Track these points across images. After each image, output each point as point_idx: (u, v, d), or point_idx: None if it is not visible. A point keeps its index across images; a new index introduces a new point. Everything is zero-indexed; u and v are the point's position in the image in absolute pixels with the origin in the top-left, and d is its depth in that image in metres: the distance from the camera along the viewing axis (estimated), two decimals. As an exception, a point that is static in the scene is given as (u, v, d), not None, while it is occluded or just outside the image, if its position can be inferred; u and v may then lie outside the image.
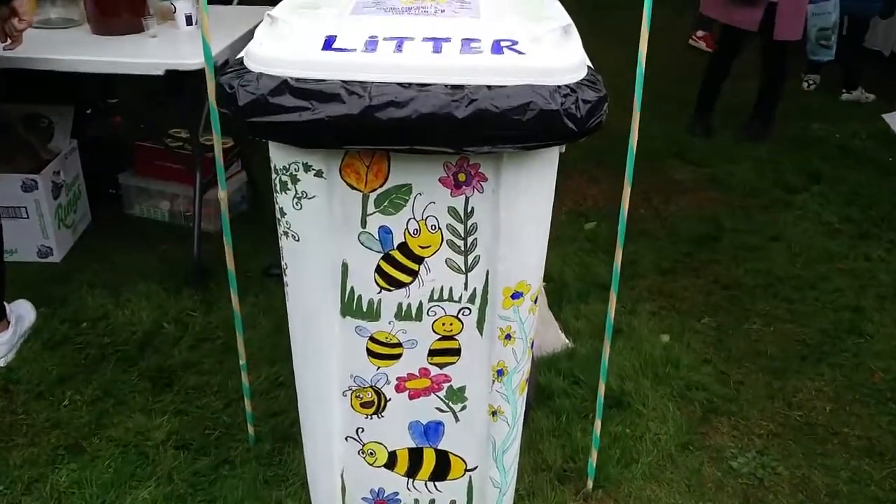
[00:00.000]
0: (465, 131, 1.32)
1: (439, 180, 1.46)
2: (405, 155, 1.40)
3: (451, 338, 1.60)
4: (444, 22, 1.47)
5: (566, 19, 1.56)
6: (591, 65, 1.45)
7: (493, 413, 1.67)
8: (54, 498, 1.93)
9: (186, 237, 2.97)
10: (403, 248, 1.52)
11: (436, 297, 1.56)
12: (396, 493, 1.79)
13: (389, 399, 1.66)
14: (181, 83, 2.54)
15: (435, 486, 1.77)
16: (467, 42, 1.40)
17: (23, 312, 2.56)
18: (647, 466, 2.06)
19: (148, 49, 2.63)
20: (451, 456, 1.73)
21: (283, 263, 1.59)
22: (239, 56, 1.44)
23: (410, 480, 1.76)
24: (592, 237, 3.27)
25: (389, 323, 1.58)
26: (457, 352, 1.61)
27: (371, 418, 1.69)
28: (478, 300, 1.57)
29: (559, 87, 1.33)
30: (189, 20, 2.73)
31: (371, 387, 1.65)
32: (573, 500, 1.97)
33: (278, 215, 1.53)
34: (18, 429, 2.16)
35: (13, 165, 2.89)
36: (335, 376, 1.64)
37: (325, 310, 1.58)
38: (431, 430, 1.69)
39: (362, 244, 1.52)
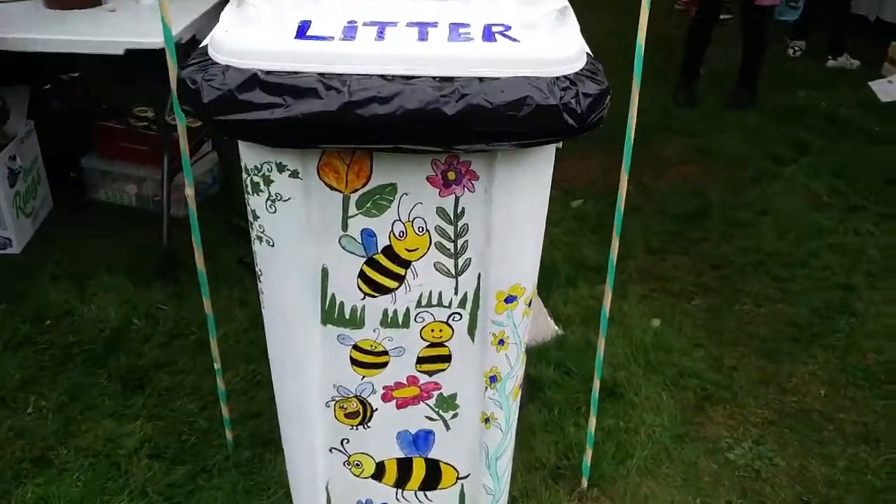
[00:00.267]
0: (456, 129, 1.20)
1: (427, 179, 1.34)
2: (389, 153, 1.28)
3: (440, 344, 1.50)
4: (430, 4, 1.34)
5: (562, 2, 1.43)
6: (589, 51, 1.33)
7: (486, 420, 1.58)
8: (20, 515, 1.83)
9: (155, 223, 2.83)
10: (388, 251, 1.41)
11: (424, 302, 1.45)
12: (385, 504, 1.71)
13: (376, 409, 1.56)
14: (144, 61, 2.37)
15: (425, 495, 1.69)
16: (455, 27, 1.27)
17: (-20, 310, 2.42)
18: (643, 461, 1.99)
19: (106, 25, 2.46)
20: (442, 465, 1.64)
21: (257, 269, 1.47)
22: (203, 44, 1.30)
23: (399, 491, 1.67)
24: (579, 216, 3.17)
25: (374, 330, 1.48)
26: (447, 358, 1.51)
27: (356, 429, 1.59)
28: (469, 305, 1.46)
29: (557, 78, 1.22)
30: (146, -6, 2.56)
31: (356, 397, 1.55)
32: (568, 501, 1.90)
33: (251, 218, 1.40)
34: (-22, 440, 2.04)
35: (-35, 152, 2.72)
36: (317, 387, 1.53)
37: (304, 318, 1.47)
38: (421, 440, 1.60)
39: (343, 248, 1.40)
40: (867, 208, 3.32)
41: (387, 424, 1.57)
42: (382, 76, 1.19)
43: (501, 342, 1.49)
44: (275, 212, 1.36)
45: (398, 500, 1.69)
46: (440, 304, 1.46)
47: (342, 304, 1.46)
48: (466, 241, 1.40)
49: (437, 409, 1.56)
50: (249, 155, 1.32)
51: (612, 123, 1.35)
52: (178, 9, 2.57)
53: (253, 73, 1.18)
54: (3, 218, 2.76)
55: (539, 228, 1.43)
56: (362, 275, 1.43)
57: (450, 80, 1.19)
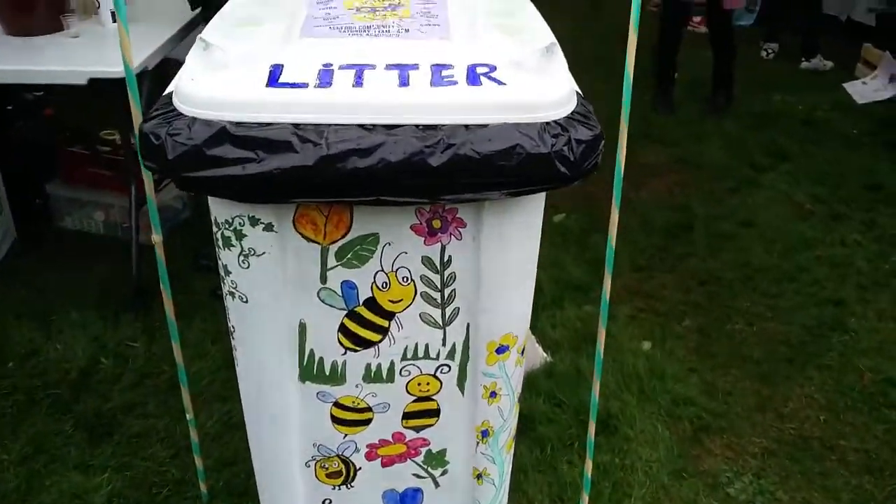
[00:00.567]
0: (442, 180, 1.12)
1: (411, 228, 1.26)
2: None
3: (428, 398, 1.41)
4: (410, 44, 1.25)
5: (546, 33, 1.35)
6: (578, 90, 1.25)
7: (479, 476, 1.50)
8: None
9: (125, 252, 2.70)
10: (371, 303, 1.32)
11: (410, 355, 1.37)
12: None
13: (360, 468, 1.47)
14: (108, 89, 2.25)
15: (415, 552, 1.60)
16: (438, 70, 1.18)
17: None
18: (641, 501, 1.92)
19: (69, 52, 2.34)
20: (432, 521, 1.56)
21: (230, 325, 1.37)
22: (167, 91, 1.20)
23: (387, 550, 1.59)
24: (562, 231, 3.10)
25: (357, 386, 1.39)
26: (435, 413, 1.43)
27: (339, 489, 1.50)
28: (458, 356, 1.38)
29: (548, 124, 1.14)
30: (114, 17, 2.43)
31: (338, 456, 1.46)
32: (564, 547, 1.83)
33: (222, 272, 1.31)
34: (-66, 499, 1.92)
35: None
36: (296, 447, 1.44)
37: (281, 376, 1.37)
38: (409, 498, 1.51)
39: (322, 302, 1.31)
40: (851, 216, 3.28)
41: (372, 484, 1.49)
42: (362, 125, 1.10)
43: (493, 394, 1.41)
44: (248, 267, 1.27)
45: (386, 558, 1.60)
46: (427, 356, 1.37)
47: (322, 359, 1.37)
48: (454, 290, 1.32)
49: (425, 467, 1.48)
50: (219, 208, 1.23)
51: None
52: (143, 35, 2.47)
53: (222, 127, 1.09)
54: (-39, 253, 2.63)
55: (531, 275, 1.35)
56: (343, 329, 1.34)
57: (434, 128, 1.11)
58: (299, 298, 1.30)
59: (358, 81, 1.15)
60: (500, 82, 1.17)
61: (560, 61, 1.26)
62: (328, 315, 1.32)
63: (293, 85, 1.13)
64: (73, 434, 2.10)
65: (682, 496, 1.94)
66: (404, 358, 1.37)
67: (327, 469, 1.47)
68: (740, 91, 4.66)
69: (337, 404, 1.40)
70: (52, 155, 3.05)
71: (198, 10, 2.56)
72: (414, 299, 1.32)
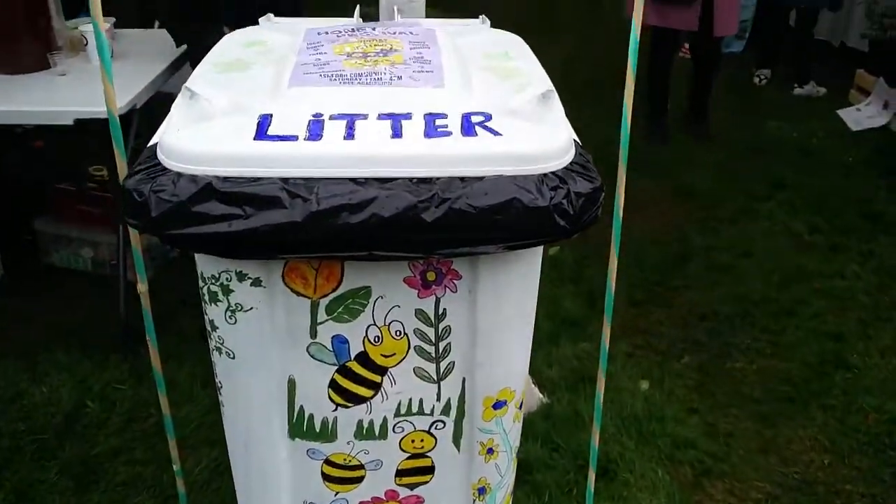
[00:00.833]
0: (437, 235, 1.08)
1: (404, 280, 1.21)
2: (362, 259, 1.15)
3: (422, 455, 1.36)
4: (403, 92, 1.21)
5: (542, 78, 1.32)
6: (576, 138, 1.22)
7: (476, 533, 1.44)
8: None
9: (113, 291, 2.65)
10: (362, 358, 1.27)
11: (403, 411, 1.32)
12: None
13: (353, 526, 1.41)
14: (95, 128, 2.22)
15: None
16: (431, 119, 1.15)
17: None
18: (642, 553, 1.86)
19: (56, 91, 2.30)
20: (427, 579, 1.50)
21: (217, 381, 1.32)
22: (151, 143, 1.16)
23: None
24: (557, 264, 3.06)
25: (348, 443, 1.34)
26: (430, 470, 1.38)
27: (333, 548, 1.44)
28: (453, 412, 1.33)
29: (545, 176, 1.10)
30: (102, 55, 2.40)
31: (331, 514, 1.40)
32: None
33: (208, 328, 1.26)
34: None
35: None
36: (287, 505, 1.39)
37: (270, 433, 1.32)
38: (404, 557, 1.46)
39: (312, 357, 1.26)
40: (849, 247, 3.25)
41: (366, 542, 1.43)
42: (353, 179, 1.07)
43: (490, 451, 1.36)
44: (235, 322, 1.23)
45: None
46: (421, 412, 1.33)
47: (311, 416, 1.32)
48: (449, 343, 1.28)
49: (421, 524, 1.43)
50: (206, 263, 1.19)
51: None
52: (131, 72, 2.43)
53: (207, 182, 1.05)
54: (-54, 292, 2.57)
55: (528, 328, 1.31)
56: (333, 384, 1.29)
57: (428, 181, 1.07)
58: (288, 354, 1.26)
59: (349, 133, 1.11)
60: (495, 132, 1.14)
61: (557, 108, 1.23)
62: (318, 370, 1.27)
63: (282, 138, 1.10)
64: (57, 482, 2.03)
65: (685, 547, 1.89)
66: (397, 414, 1.32)
67: (318, 528, 1.41)
68: (734, 118, 4.66)
69: (328, 461, 1.35)
70: (40, 191, 3.00)
71: (184, 47, 2.54)
72: (407, 353, 1.27)
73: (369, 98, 1.19)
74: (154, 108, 2.51)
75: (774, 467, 2.13)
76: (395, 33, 1.43)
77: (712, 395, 2.39)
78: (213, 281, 1.19)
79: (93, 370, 2.43)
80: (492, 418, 1.34)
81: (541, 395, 2.33)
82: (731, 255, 3.18)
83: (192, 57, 2.46)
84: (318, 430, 1.32)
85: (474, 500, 1.40)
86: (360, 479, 1.37)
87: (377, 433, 1.33)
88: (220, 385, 1.31)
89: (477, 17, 1.67)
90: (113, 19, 2.64)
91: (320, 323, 1.24)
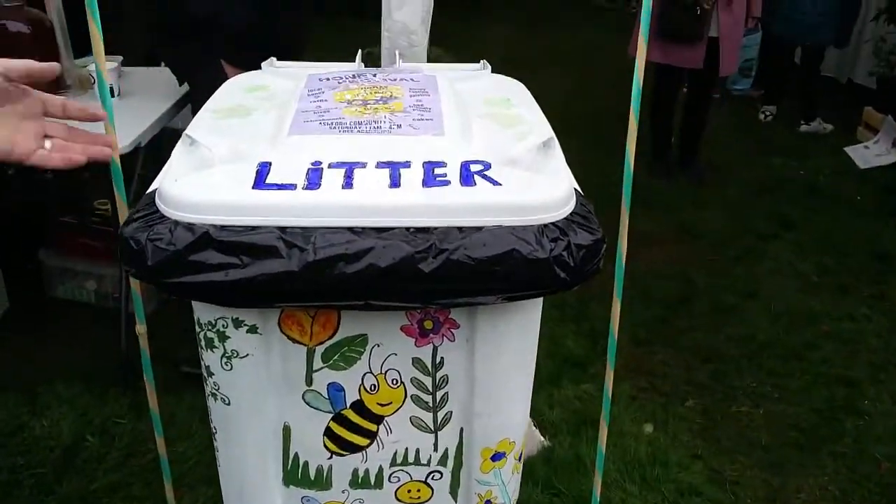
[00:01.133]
0: (434, 286, 1.06)
1: (401, 329, 1.20)
2: (359, 307, 1.14)
3: (419, 505, 1.34)
4: (402, 141, 1.21)
5: (543, 126, 1.32)
6: (577, 186, 1.21)
7: (473, 586, 1.41)
8: None
9: (115, 323, 2.65)
10: (358, 406, 1.26)
11: (399, 460, 1.30)
12: None
13: (347, 577, 1.39)
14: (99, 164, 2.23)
15: None
16: (430, 167, 1.14)
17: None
18: None
19: (62, 129, 2.32)
20: None
21: (211, 427, 1.31)
22: (150, 190, 1.16)
23: None
24: (559, 303, 3.04)
25: (343, 492, 1.32)
26: (427, 520, 1.35)
27: None
28: (450, 462, 1.31)
29: (546, 227, 1.09)
30: (111, 91, 2.42)
31: (325, 564, 1.37)
32: None
33: (204, 373, 1.25)
34: None
35: None
36: (281, 553, 1.36)
37: (264, 480, 1.31)
38: None
39: (307, 404, 1.25)
40: (859, 288, 3.23)
41: None
42: (350, 229, 1.06)
43: (488, 503, 1.33)
44: (231, 369, 1.21)
45: None
46: (417, 462, 1.31)
47: (306, 463, 1.30)
48: (447, 393, 1.26)
49: (416, 576, 1.40)
50: (202, 309, 1.18)
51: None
52: (137, 110, 2.45)
53: (205, 231, 1.04)
54: (-50, 324, 2.58)
55: (528, 378, 1.29)
56: (329, 432, 1.27)
57: (426, 231, 1.06)
58: (284, 401, 1.24)
59: (348, 182, 1.11)
60: (494, 182, 1.13)
61: (558, 157, 1.22)
62: (314, 418, 1.26)
63: (280, 186, 1.09)
64: (54, 519, 2.02)
65: None
66: (393, 463, 1.30)
67: (312, 578, 1.38)
68: (741, 156, 4.66)
69: (323, 510, 1.33)
70: (45, 222, 3.02)
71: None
72: (404, 402, 1.25)
73: (368, 146, 1.19)
74: (161, 144, 2.53)
75: (781, 517, 2.10)
76: (395, 80, 1.43)
77: (717, 441, 2.36)
78: (210, 327, 1.18)
79: (93, 404, 2.42)
80: (490, 470, 1.31)
81: (542, 438, 2.30)
82: (737, 296, 3.16)
83: (192, 91, 2.48)
84: (313, 478, 1.31)
85: (471, 553, 1.37)
86: (355, 529, 1.34)
87: (373, 482, 1.31)
88: (215, 430, 1.30)
89: (480, 57, 1.67)
90: (120, 58, 2.67)
91: (316, 370, 1.22)
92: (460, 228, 1.08)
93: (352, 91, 1.36)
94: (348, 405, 1.25)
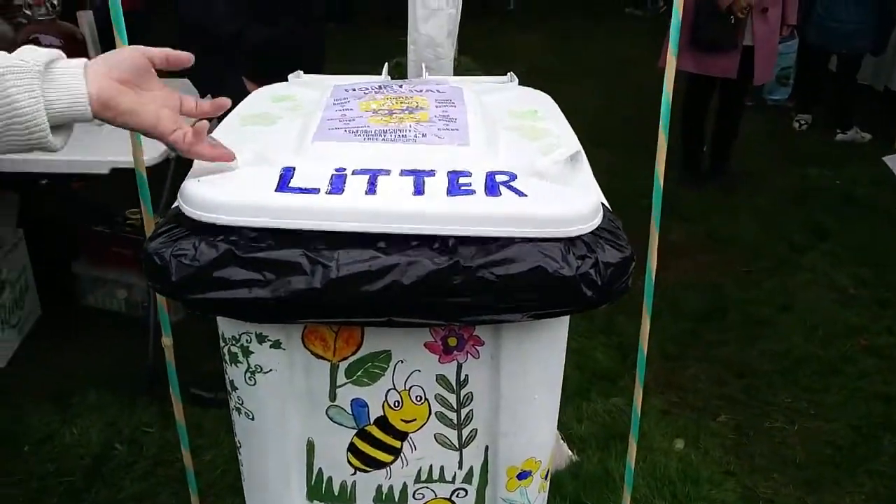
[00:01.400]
0: (458, 303, 1.05)
1: (425, 345, 1.18)
2: (382, 323, 1.12)
3: (443, 523, 1.32)
4: (427, 150, 1.20)
5: (571, 138, 1.30)
6: (605, 201, 1.19)
7: None
8: None
9: (144, 332, 2.67)
10: (382, 422, 1.24)
11: (423, 477, 1.28)
12: None
13: None
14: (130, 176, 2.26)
15: None
16: (455, 177, 1.13)
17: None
18: None
19: (91, 141, 2.32)
20: None
21: (236, 440, 1.30)
22: (175, 205, 1.16)
23: None
24: (588, 314, 3.01)
25: (368, 509, 1.30)
26: (451, 538, 1.33)
27: None
28: (475, 480, 1.29)
29: (572, 242, 1.06)
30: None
31: (348, 580, 1.36)
32: None
33: (228, 388, 1.25)
34: None
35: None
36: (304, 570, 1.35)
37: (288, 495, 1.29)
38: None
39: (331, 420, 1.24)
40: (898, 302, 3.15)
41: None
42: (376, 248, 1.04)
43: (514, 521, 1.31)
44: (254, 384, 1.21)
45: None
46: (442, 479, 1.29)
47: (330, 479, 1.29)
48: (471, 410, 1.24)
49: None
50: (226, 324, 1.17)
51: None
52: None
53: (228, 248, 1.04)
54: (-14, 333, 2.63)
55: (555, 396, 1.27)
56: (353, 448, 1.26)
57: (450, 249, 1.05)
58: (307, 416, 1.23)
59: (371, 188, 1.09)
60: (520, 193, 1.11)
61: (586, 171, 1.20)
62: (337, 434, 1.24)
63: (304, 190, 1.08)
64: (82, 527, 2.04)
65: None
66: (417, 480, 1.28)
67: None
68: (775, 165, 4.58)
69: (346, 527, 1.31)
70: (77, 233, 3.06)
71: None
72: (428, 419, 1.24)
73: (393, 154, 1.18)
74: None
75: (818, 539, 2.04)
76: (421, 91, 1.42)
77: (750, 457, 2.31)
78: (234, 342, 1.18)
79: (122, 412, 2.45)
80: (516, 488, 1.29)
81: (570, 452, 2.27)
82: (771, 309, 3.10)
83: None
84: (336, 494, 1.29)
85: (496, 572, 1.35)
86: (378, 546, 1.33)
87: (396, 499, 1.29)
88: (239, 444, 1.29)
89: (510, 68, 1.66)
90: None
91: (339, 386, 1.21)
92: (485, 246, 1.06)
93: (377, 101, 1.36)
94: (372, 421, 1.24)
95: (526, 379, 1.20)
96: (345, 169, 1.14)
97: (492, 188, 1.12)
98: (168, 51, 1.09)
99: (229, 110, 1.36)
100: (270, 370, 1.19)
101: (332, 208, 1.07)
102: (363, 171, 1.14)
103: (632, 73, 5.64)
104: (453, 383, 1.21)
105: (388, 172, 1.14)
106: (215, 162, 1.14)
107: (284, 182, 1.11)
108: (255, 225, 1.05)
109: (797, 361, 2.74)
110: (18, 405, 2.47)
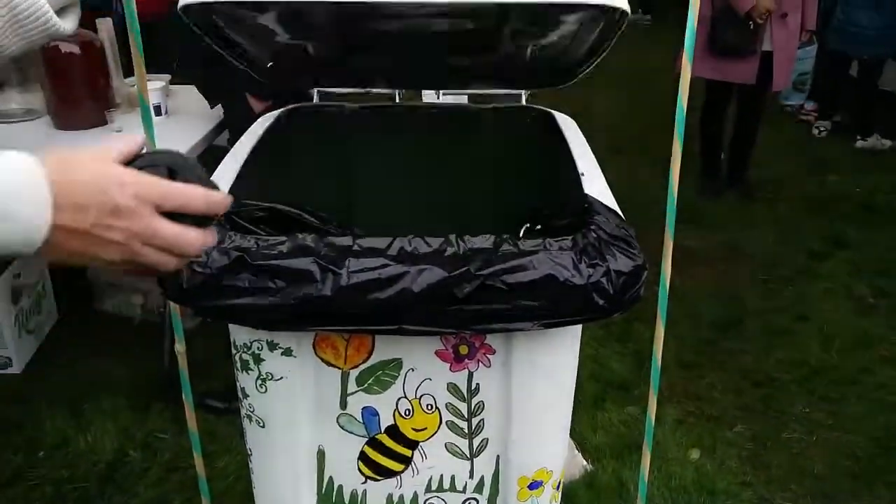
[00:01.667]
0: (469, 312, 1.04)
1: (436, 353, 1.18)
2: (393, 331, 1.12)
3: (454, 533, 1.31)
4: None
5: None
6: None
7: None
8: None
9: (160, 338, 2.68)
10: (393, 431, 1.24)
11: (434, 486, 1.28)
12: None
13: None
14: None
15: None
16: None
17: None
18: None
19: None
20: None
21: (246, 448, 1.30)
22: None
23: None
24: (604, 322, 2.99)
25: (379, 518, 1.30)
26: (462, 549, 1.32)
27: None
28: (486, 490, 1.28)
29: (584, 252, 1.06)
30: (158, 110, 2.47)
31: (358, 590, 1.35)
32: None
33: (240, 395, 1.25)
34: None
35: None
36: (314, 579, 1.35)
37: (299, 502, 1.29)
38: None
39: (342, 428, 1.24)
40: (918, 312, 3.10)
41: None
42: (386, 256, 1.04)
43: (525, 532, 1.30)
44: (265, 391, 1.21)
45: None
46: (453, 488, 1.28)
47: (341, 487, 1.29)
48: (482, 419, 1.23)
49: None
50: (238, 332, 1.18)
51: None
52: (183, 128, 2.48)
53: (239, 256, 1.04)
54: (3, 338, 2.64)
55: (567, 406, 1.26)
56: (363, 457, 1.26)
57: (461, 257, 1.04)
58: (318, 424, 1.23)
59: None
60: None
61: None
62: (348, 442, 1.24)
63: None
64: (95, 534, 2.04)
65: None
66: (428, 490, 1.28)
67: None
68: (793, 172, 4.52)
69: (356, 536, 1.31)
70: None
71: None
72: (439, 428, 1.23)
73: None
74: (207, 162, 2.56)
75: (836, 553, 2.01)
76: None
77: (767, 468, 2.27)
78: (245, 349, 1.18)
79: (136, 418, 2.45)
80: (527, 498, 1.28)
81: (584, 462, 2.25)
82: (789, 318, 3.05)
83: (225, 115, 2.51)
84: (347, 503, 1.29)
85: (507, 584, 1.34)
86: (388, 556, 1.32)
87: (407, 509, 1.29)
88: (250, 452, 1.30)
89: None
90: (168, 76, 2.73)
91: (350, 394, 1.21)
92: (496, 255, 1.05)
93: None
94: (383, 430, 1.24)
95: (537, 388, 1.20)
96: None
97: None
98: (188, 195, 0.75)
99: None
100: (281, 378, 1.19)
101: None
102: None
103: (653, 80, 5.60)
104: (464, 392, 1.21)
105: None
106: None
107: None
108: None
109: (815, 371, 2.70)
110: (34, 410, 2.48)
